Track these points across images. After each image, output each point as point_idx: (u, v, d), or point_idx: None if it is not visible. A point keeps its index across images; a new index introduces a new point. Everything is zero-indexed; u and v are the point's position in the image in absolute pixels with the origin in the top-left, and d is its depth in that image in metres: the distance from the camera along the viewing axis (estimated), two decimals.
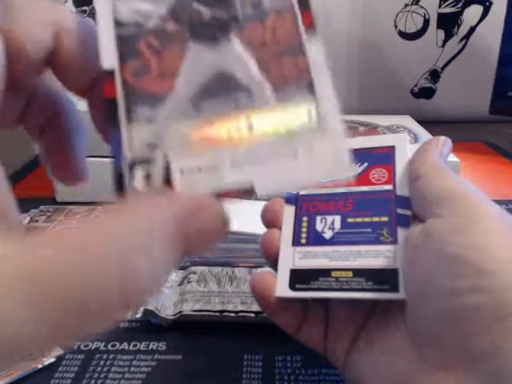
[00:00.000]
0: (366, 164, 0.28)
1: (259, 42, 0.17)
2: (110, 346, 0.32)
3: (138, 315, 0.33)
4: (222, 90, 0.16)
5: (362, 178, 0.28)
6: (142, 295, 0.13)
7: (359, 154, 0.28)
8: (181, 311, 0.33)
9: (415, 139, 0.54)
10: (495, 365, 0.18)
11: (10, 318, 0.11)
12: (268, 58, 0.17)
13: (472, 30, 0.76)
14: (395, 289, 0.23)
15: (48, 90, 0.19)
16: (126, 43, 0.17)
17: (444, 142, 0.26)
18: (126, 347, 0.32)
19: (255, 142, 0.16)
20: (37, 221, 0.48)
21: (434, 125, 0.65)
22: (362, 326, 0.25)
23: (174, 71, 0.17)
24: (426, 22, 0.76)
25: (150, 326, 0.33)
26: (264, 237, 0.28)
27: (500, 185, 0.57)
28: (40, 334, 0.11)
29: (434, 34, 0.76)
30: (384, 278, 0.24)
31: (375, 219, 0.26)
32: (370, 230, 0.26)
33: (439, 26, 0.76)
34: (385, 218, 0.26)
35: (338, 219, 0.27)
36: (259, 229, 0.29)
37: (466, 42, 0.77)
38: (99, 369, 0.30)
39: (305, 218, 0.28)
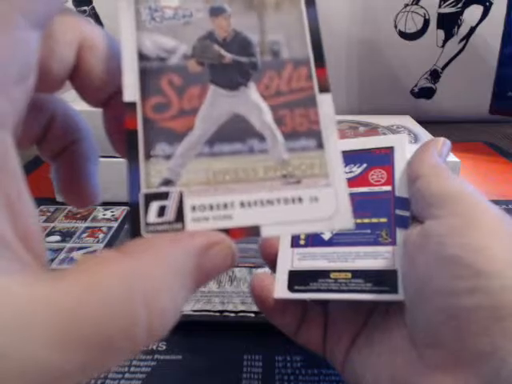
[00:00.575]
0: (365, 165, 0.28)
1: (275, 91, 0.18)
2: None
3: None
4: (237, 134, 0.17)
5: (360, 179, 0.28)
6: (165, 332, 0.14)
7: (358, 155, 0.28)
8: (181, 311, 0.33)
9: (415, 139, 0.54)
10: (494, 365, 0.18)
11: (40, 361, 0.11)
12: (281, 108, 0.18)
13: (472, 30, 0.76)
14: (394, 290, 0.23)
15: (67, 115, 0.19)
16: (148, 77, 0.17)
17: (443, 143, 0.26)
18: None
19: (265, 185, 0.17)
20: None
21: (434, 125, 0.65)
22: (361, 327, 0.25)
23: (194, 110, 0.17)
24: (426, 22, 0.75)
25: None
26: (263, 238, 0.28)
27: (500, 185, 0.57)
28: (68, 374, 0.11)
29: (434, 34, 0.76)
30: (383, 279, 0.24)
31: (374, 220, 0.26)
32: (368, 231, 0.26)
33: (439, 26, 0.76)
34: (384, 219, 0.26)
35: None
36: None
37: (466, 42, 0.77)
38: None
39: None
